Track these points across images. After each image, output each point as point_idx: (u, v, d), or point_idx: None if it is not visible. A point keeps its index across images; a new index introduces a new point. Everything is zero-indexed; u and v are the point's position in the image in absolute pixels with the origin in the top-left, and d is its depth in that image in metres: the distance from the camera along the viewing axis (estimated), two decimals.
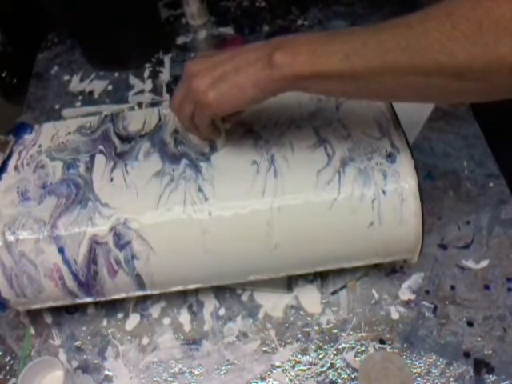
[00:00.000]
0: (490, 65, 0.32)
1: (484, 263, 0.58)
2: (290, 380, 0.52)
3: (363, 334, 0.55)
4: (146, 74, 0.85)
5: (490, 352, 0.52)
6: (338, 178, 0.48)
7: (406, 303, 0.56)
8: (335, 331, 0.55)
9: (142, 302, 0.59)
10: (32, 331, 0.58)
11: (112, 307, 0.59)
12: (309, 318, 0.56)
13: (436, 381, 0.51)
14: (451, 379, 0.51)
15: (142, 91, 0.82)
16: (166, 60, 0.87)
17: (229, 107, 0.42)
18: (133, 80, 0.84)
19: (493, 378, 0.51)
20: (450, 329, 0.54)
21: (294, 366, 0.53)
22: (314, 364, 0.53)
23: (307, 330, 0.55)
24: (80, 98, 0.83)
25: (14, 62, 0.91)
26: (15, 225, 0.49)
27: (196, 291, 0.59)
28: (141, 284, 0.51)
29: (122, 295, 0.53)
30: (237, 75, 0.40)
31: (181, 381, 0.54)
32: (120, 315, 0.59)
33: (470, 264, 0.59)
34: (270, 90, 0.40)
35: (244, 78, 0.40)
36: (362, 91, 0.39)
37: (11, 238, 0.48)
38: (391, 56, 0.35)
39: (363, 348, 0.54)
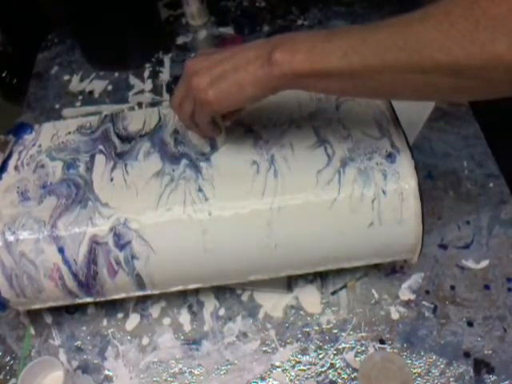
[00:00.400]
0: (487, 63, 0.32)
1: (484, 263, 0.58)
2: (290, 380, 0.52)
3: (363, 334, 0.55)
4: (146, 74, 0.85)
5: (490, 352, 0.52)
6: (337, 178, 0.48)
7: (406, 303, 0.56)
8: (335, 331, 0.55)
9: (142, 302, 0.59)
10: (32, 331, 0.58)
11: (112, 307, 0.59)
12: (309, 318, 0.56)
13: (436, 381, 0.51)
14: (451, 379, 0.51)
15: (142, 91, 0.82)
16: (166, 60, 0.87)
17: (229, 105, 0.42)
18: (133, 80, 0.84)
19: (493, 378, 0.51)
20: (449, 329, 0.54)
21: (294, 366, 0.53)
22: (314, 364, 0.53)
23: (307, 329, 0.55)
24: (80, 97, 0.83)
25: (14, 62, 0.91)
26: (15, 225, 0.49)
27: (196, 291, 0.59)
28: (141, 284, 0.51)
29: (122, 295, 0.53)
30: (236, 73, 0.40)
31: (181, 381, 0.54)
32: (120, 315, 0.59)
33: (469, 264, 0.58)
34: (269, 87, 0.40)
35: (244, 76, 0.40)
36: (361, 89, 0.39)
37: (11, 238, 0.48)
38: (390, 54, 0.35)
39: (363, 348, 0.54)
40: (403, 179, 0.48)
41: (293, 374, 0.53)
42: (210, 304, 0.58)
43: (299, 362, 0.53)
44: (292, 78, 0.39)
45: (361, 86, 0.38)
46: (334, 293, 0.58)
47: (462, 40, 0.32)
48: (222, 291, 0.59)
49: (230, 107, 0.43)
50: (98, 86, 0.85)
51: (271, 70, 0.39)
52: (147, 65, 0.86)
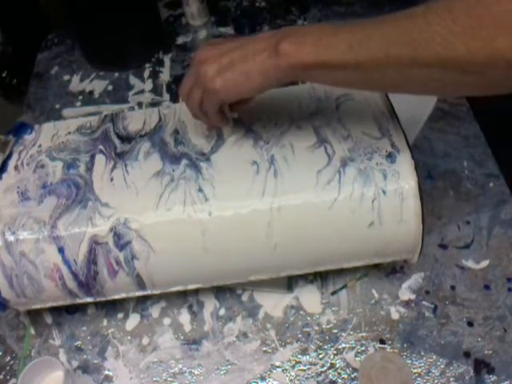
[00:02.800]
0: (489, 59, 0.33)
1: (484, 263, 0.58)
2: (290, 380, 0.52)
3: (363, 334, 0.55)
4: (146, 74, 0.85)
5: (490, 352, 0.52)
6: (338, 178, 0.48)
7: (406, 303, 0.56)
8: (335, 331, 0.55)
9: (142, 302, 0.59)
10: (32, 331, 0.58)
11: (112, 307, 0.59)
12: (309, 318, 0.56)
13: (436, 381, 0.51)
14: (451, 379, 0.51)
15: (142, 91, 0.82)
16: (166, 60, 0.87)
17: (235, 94, 0.43)
18: (133, 80, 0.84)
19: (493, 378, 0.51)
20: (450, 329, 0.54)
21: (293, 366, 0.53)
22: (314, 364, 0.53)
23: (307, 329, 0.55)
24: (80, 97, 0.83)
25: (14, 62, 0.91)
26: (15, 225, 0.49)
27: (196, 291, 0.59)
28: (141, 284, 0.51)
29: (122, 295, 0.53)
30: (244, 63, 0.41)
31: (181, 381, 0.54)
32: (120, 315, 0.59)
33: (470, 264, 0.58)
34: (275, 78, 0.41)
35: (251, 66, 0.41)
36: (366, 82, 0.40)
37: (11, 238, 0.48)
38: (394, 48, 0.36)
39: (363, 348, 0.54)
40: (403, 179, 0.48)
41: (293, 373, 0.53)
42: (210, 304, 0.58)
43: (299, 362, 0.53)
44: (298, 69, 0.40)
45: (365, 78, 0.39)
46: (334, 293, 0.58)
47: (465, 36, 0.33)
48: (221, 291, 0.59)
49: (236, 96, 0.43)
50: (98, 85, 0.85)
51: (278, 60, 0.40)
52: (147, 65, 0.86)
